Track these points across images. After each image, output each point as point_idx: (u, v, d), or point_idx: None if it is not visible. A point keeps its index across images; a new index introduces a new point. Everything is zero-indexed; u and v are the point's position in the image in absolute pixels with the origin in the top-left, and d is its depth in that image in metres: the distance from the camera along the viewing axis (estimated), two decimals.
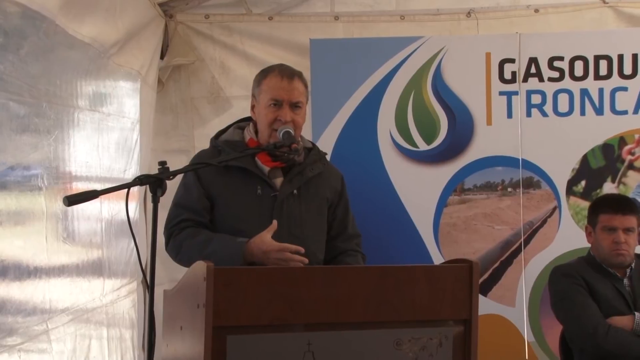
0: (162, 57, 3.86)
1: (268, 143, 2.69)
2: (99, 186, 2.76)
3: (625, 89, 3.73)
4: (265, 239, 2.54)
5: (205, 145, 2.93)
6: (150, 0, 3.53)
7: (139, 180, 2.14)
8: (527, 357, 3.75)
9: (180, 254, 2.68)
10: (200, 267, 2.00)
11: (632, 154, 3.75)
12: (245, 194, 2.66)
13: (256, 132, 2.79)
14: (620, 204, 3.23)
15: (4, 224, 2.11)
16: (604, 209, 3.21)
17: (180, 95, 3.97)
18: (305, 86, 2.81)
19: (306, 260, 2.56)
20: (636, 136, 3.73)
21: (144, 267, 3.01)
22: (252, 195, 2.66)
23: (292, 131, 2.64)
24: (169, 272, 3.58)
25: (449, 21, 4.01)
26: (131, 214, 2.50)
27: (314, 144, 2.93)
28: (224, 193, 2.68)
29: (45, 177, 2.38)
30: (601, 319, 3.05)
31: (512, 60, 3.73)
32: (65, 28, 2.48)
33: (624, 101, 3.73)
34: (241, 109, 3.46)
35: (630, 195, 3.68)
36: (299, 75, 2.79)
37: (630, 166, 3.76)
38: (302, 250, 2.56)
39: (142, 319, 3.57)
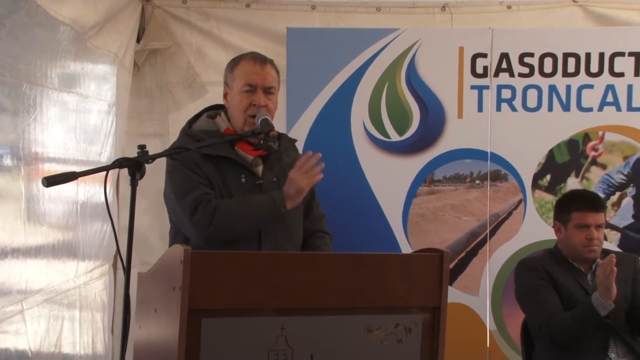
0: (138, 41, 3.81)
1: (243, 130, 2.69)
2: (75, 168, 2.73)
3: (591, 86, 3.79)
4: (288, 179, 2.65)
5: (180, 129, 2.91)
6: None
7: (118, 163, 2.14)
8: (488, 345, 3.81)
9: (214, 222, 2.54)
10: (177, 250, 1.98)
11: (596, 150, 3.82)
12: (232, 182, 2.66)
13: (229, 120, 2.79)
14: (593, 202, 3.28)
15: None
16: (577, 206, 3.24)
17: (155, 80, 3.94)
18: (277, 73, 2.82)
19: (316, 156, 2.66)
20: (600, 133, 3.80)
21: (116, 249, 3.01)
22: (237, 183, 2.66)
23: (269, 118, 2.65)
24: (141, 255, 3.57)
25: (424, 14, 4.02)
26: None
27: (279, 132, 2.94)
28: (215, 180, 2.66)
29: (23, 157, 2.36)
30: (556, 310, 3.12)
31: (484, 55, 3.77)
32: (46, 9, 2.45)
33: (590, 98, 3.79)
34: (216, 95, 3.42)
35: (593, 189, 3.75)
36: (271, 61, 2.80)
37: (594, 162, 3.83)
38: (319, 155, 2.67)
39: (112, 301, 3.57)
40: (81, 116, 2.99)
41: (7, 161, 2.27)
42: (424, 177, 3.80)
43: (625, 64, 3.78)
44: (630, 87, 3.79)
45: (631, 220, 3.82)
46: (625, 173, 3.82)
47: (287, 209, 2.64)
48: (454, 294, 3.70)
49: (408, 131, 3.78)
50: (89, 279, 3.15)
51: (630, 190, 3.82)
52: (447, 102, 3.77)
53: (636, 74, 3.78)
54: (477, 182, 3.82)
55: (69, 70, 2.84)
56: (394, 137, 3.78)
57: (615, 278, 2.98)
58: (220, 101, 2.90)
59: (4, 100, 2.23)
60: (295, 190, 2.64)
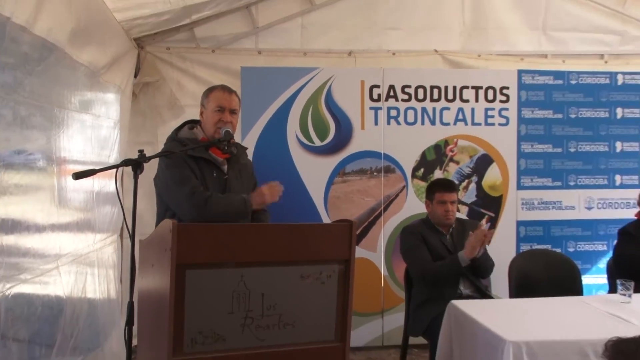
0: (135, 76, 3.78)
1: (213, 138, 2.72)
2: (92, 167, 2.71)
3: (448, 108, 3.89)
4: (257, 190, 2.71)
5: (164, 139, 2.91)
6: (128, 36, 3.45)
7: (125, 163, 2.11)
8: (382, 285, 3.87)
9: (208, 206, 2.54)
10: (168, 222, 1.97)
11: (452, 151, 3.91)
12: (207, 176, 2.66)
13: (203, 131, 2.81)
14: (448, 185, 3.36)
15: (29, 194, 2.09)
16: (438, 189, 3.32)
17: (147, 104, 3.90)
18: (239, 100, 2.82)
19: (281, 187, 2.72)
20: (455, 140, 3.90)
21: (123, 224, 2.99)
22: (210, 177, 2.66)
23: (231, 130, 2.69)
24: (139, 228, 3.52)
25: (337, 58, 4.06)
26: (114, 188, 2.49)
27: (236, 142, 2.96)
28: (197, 173, 2.66)
29: (55, 160, 2.34)
30: (428, 260, 3.20)
31: (378, 86, 3.83)
32: (70, 54, 2.43)
33: (448, 116, 3.89)
34: (191, 114, 3.39)
35: (450, 178, 3.85)
36: (235, 92, 2.81)
37: (451, 159, 3.92)
38: (277, 183, 2.72)
39: (119, 261, 3.54)
40: (95, 130, 2.94)
41: (44, 163, 2.25)
42: (339, 171, 3.83)
43: (469, 94, 3.89)
44: (473, 110, 3.89)
45: (475, 199, 3.93)
46: (471, 167, 3.93)
47: (253, 210, 2.67)
48: (360, 251, 3.74)
49: (327, 139, 3.81)
50: (103, 245, 3.10)
51: (474, 178, 3.93)
52: (354, 119, 3.81)
53: (476, 101, 3.90)
54: (375, 173, 3.86)
55: (86, 98, 2.79)
56: (317, 142, 3.80)
57: (482, 244, 3.09)
58: (194, 118, 2.91)
59: (41, 120, 2.20)
60: (262, 202, 2.68)
